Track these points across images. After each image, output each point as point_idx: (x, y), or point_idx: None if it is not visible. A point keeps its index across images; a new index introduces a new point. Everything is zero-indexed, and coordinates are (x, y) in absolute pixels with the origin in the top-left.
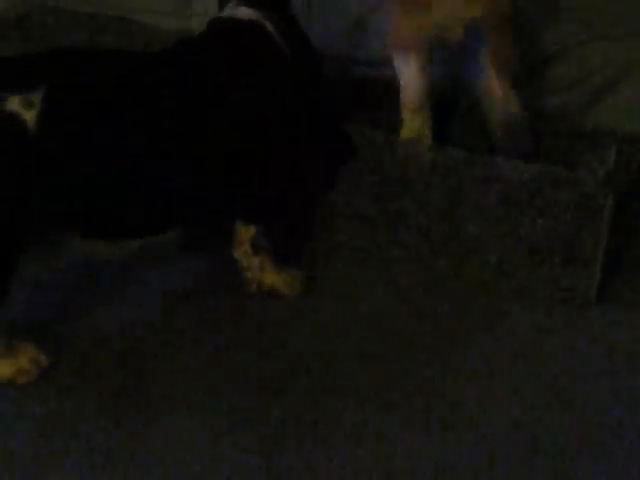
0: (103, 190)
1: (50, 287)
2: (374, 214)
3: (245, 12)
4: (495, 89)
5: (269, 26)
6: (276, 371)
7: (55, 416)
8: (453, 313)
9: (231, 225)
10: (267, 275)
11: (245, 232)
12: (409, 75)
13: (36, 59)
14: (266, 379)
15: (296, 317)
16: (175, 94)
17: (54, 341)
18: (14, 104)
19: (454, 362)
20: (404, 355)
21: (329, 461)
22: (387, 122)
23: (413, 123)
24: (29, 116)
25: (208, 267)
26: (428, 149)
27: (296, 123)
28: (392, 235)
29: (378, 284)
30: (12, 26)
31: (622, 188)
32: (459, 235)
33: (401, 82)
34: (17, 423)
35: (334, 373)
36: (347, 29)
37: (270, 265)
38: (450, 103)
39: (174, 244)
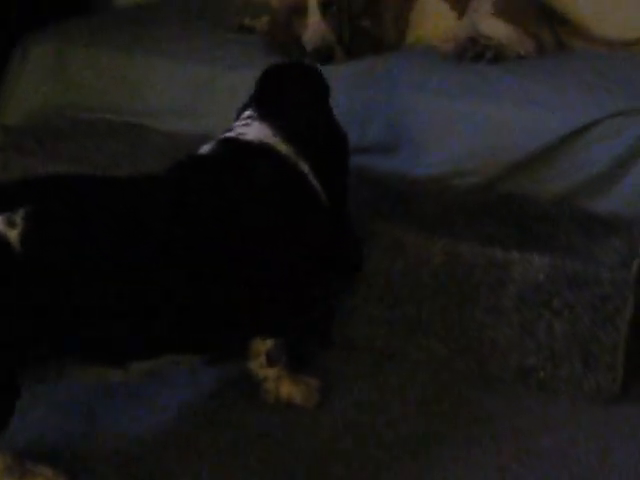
0: (96, 311)
1: (64, 407)
2: (391, 318)
3: (257, 131)
4: None
5: (283, 148)
6: None
7: None
8: (474, 414)
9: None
10: (284, 387)
11: (262, 345)
12: None
13: (22, 184)
14: None
15: (313, 429)
16: (173, 219)
17: (71, 462)
18: None
19: (477, 462)
20: (425, 458)
21: None
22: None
23: None
24: (12, 235)
25: (223, 379)
26: (440, 250)
27: (317, 244)
28: (410, 339)
29: (396, 389)
30: (28, 135)
31: None
32: (477, 339)
33: None
34: None
35: None
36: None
37: (286, 376)
38: None
39: None
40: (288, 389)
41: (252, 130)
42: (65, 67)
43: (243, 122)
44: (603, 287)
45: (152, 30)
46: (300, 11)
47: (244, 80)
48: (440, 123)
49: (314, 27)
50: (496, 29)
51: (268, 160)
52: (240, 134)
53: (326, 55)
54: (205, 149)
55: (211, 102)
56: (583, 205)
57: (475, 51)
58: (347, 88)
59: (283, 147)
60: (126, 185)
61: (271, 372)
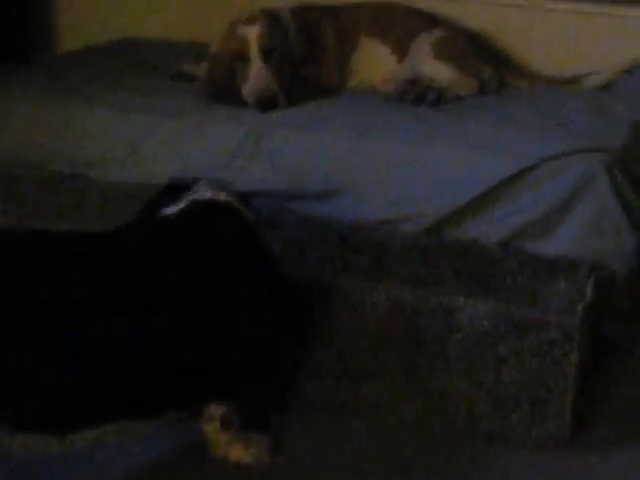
0: (31, 377)
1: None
2: (337, 369)
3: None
4: None
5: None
6: None
7: None
8: (424, 463)
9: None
10: (234, 451)
11: (216, 409)
12: None
13: None
14: None
15: None
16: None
17: None
18: None
19: None
20: None
21: None
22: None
23: None
24: None
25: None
26: (385, 297)
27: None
28: (357, 390)
29: (345, 441)
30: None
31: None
32: (424, 387)
33: None
34: None
35: None
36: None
37: (238, 440)
38: None
39: None
40: (238, 453)
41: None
42: (4, 116)
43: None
44: (549, 332)
45: (91, 78)
46: (242, 57)
47: (182, 128)
48: (382, 167)
49: (257, 74)
50: (437, 71)
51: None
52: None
53: (269, 103)
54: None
55: (152, 150)
56: (528, 247)
57: (416, 93)
58: (289, 134)
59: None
60: (61, 242)
61: (224, 437)
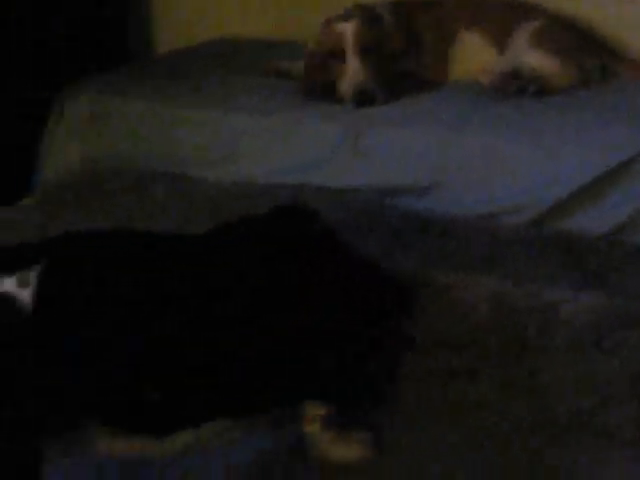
0: (116, 371)
1: None
2: (438, 368)
3: None
4: None
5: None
6: None
7: None
8: (534, 465)
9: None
10: (337, 449)
11: (318, 409)
12: None
13: (42, 242)
14: None
15: None
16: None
17: None
18: (9, 284)
19: None
20: None
21: None
22: None
23: None
24: (24, 295)
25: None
26: (486, 292)
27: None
28: (459, 388)
29: (449, 437)
30: (68, 190)
31: None
32: (527, 386)
33: None
34: None
35: None
36: None
37: (340, 439)
38: None
39: None
40: (340, 452)
41: None
42: (104, 119)
43: None
44: None
45: (188, 78)
46: (338, 54)
47: (280, 125)
48: (483, 160)
49: (353, 72)
50: (538, 61)
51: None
52: None
53: (366, 99)
54: None
55: (249, 149)
56: (634, 239)
57: (518, 85)
58: (386, 131)
59: None
60: (150, 241)
61: (326, 437)
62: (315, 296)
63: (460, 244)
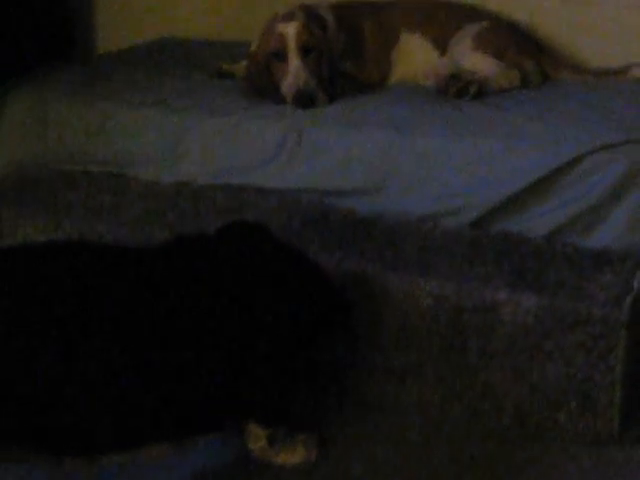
0: (58, 399)
1: None
2: (379, 367)
3: None
4: None
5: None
6: None
7: None
8: (471, 460)
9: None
10: (282, 456)
11: (262, 430)
12: None
13: None
14: None
15: None
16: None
17: None
18: None
19: None
20: None
21: None
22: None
23: None
24: None
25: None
26: (427, 293)
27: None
28: (400, 387)
29: (389, 439)
30: (9, 188)
31: None
32: (469, 385)
33: None
34: None
35: None
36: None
37: (286, 448)
38: None
39: None
40: (285, 457)
41: None
42: (42, 117)
43: None
44: (595, 326)
45: (132, 78)
46: (280, 56)
47: (222, 126)
48: (425, 162)
49: (295, 72)
50: (478, 63)
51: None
52: None
53: (308, 100)
54: None
55: (190, 149)
56: (574, 240)
57: (458, 87)
58: (330, 131)
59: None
60: (93, 255)
61: (272, 452)
62: (249, 321)
63: (401, 245)
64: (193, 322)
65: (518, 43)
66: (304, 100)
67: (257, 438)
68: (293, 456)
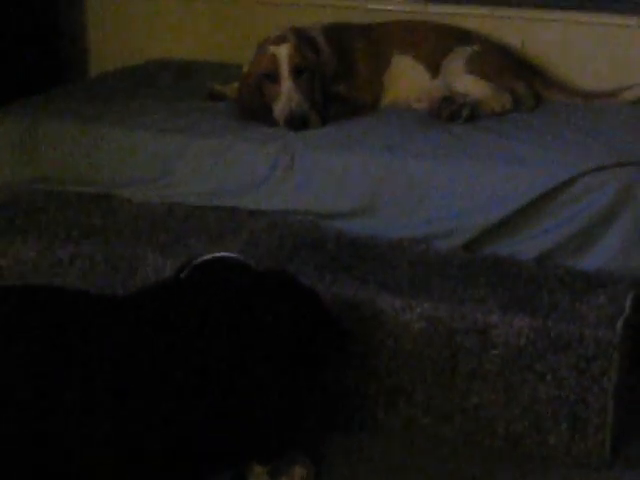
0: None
1: None
2: (371, 390)
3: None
4: None
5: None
6: None
7: None
8: None
9: None
10: None
11: (265, 467)
12: None
13: None
14: None
15: None
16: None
17: None
18: None
19: None
20: None
21: None
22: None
23: None
24: None
25: None
26: (419, 315)
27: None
28: (391, 410)
29: (380, 459)
30: (2, 209)
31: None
32: (460, 406)
33: None
34: None
35: None
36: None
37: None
38: None
39: None
40: None
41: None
42: (35, 140)
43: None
44: (587, 347)
45: (123, 101)
46: (272, 77)
47: (213, 148)
48: (418, 185)
49: (287, 94)
50: (471, 86)
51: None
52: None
53: (300, 122)
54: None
55: (181, 171)
56: (567, 262)
57: (450, 110)
58: (322, 153)
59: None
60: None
61: None
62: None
63: (393, 268)
64: (191, 369)
65: (510, 66)
66: (296, 122)
67: (258, 475)
68: None
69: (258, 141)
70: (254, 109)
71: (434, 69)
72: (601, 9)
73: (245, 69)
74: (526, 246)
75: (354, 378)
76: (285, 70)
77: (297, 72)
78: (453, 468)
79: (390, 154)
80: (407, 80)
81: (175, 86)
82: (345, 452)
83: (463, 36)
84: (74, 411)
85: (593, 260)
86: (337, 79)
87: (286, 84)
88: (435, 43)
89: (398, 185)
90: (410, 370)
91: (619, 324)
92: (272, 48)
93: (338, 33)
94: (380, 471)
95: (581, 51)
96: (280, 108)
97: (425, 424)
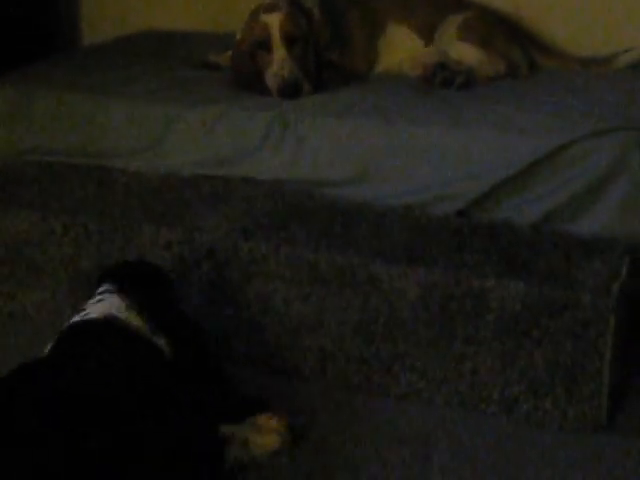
0: None
1: None
2: (367, 354)
3: (103, 305)
4: None
5: (129, 317)
6: None
7: None
8: (456, 444)
9: None
10: (259, 448)
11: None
12: None
13: None
14: None
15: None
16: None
17: None
18: None
19: None
20: None
21: None
22: None
23: None
24: None
25: None
26: (415, 282)
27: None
28: (388, 375)
29: (377, 426)
30: None
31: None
32: (457, 371)
33: None
34: None
35: None
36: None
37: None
38: None
39: None
40: (261, 447)
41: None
42: (28, 110)
43: (97, 298)
44: (584, 312)
45: (116, 70)
46: (264, 46)
47: (207, 117)
48: (411, 151)
49: (279, 63)
50: (464, 53)
51: (114, 338)
52: (86, 314)
53: (292, 91)
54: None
55: (175, 140)
56: (562, 228)
57: (444, 76)
58: (315, 121)
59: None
60: None
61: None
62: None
63: (388, 234)
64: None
65: (504, 32)
66: (289, 91)
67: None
68: (270, 444)
69: (251, 109)
70: (247, 77)
71: (428, 37)
72: None
73: (238, 38)
74: (522, 211)
75: (350, 343)
76: (277, 38)
77: (289, 40)
78: (447, 432)
79: (384, 121)
80: (401, 48)
81: (168, 56)
82: (340, 412)
83: (456, 3)
84: None
85: (589, 225)
86: (331, 47)
87: (278, 52)
88: (429, 11)
89: (392, 152)
90: (406, 336)
91: (615, 289)
92: (264, 16)
93: (332, 1)
94: (374, 433)
95: (576, 16)
96: (272, 77)
97: (421, 389)
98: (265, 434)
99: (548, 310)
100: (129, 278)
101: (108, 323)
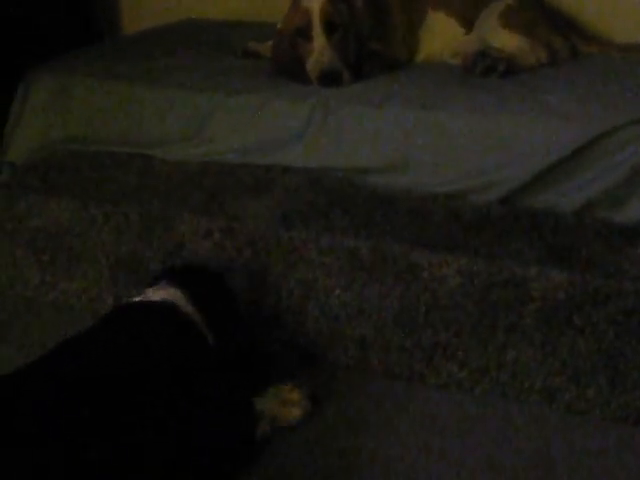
0: None
1: None
2: (407, 343)
3: (163, 292)
4: None
5: (185, 306)
6: None
7: None
8: (497, 435)
9: None
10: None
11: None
12: None
13: None
14: None
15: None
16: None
17: None
18: None
19: None
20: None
21: None
22: None
23: None
24: None
25: None
26: (456, 270)
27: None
28: (428, 363)
29: (416, 413)
30: (33, 171)
31: None
32: (498, 361)
33: None
34: None
35: None
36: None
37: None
38: None
39: None
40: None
41: (158, 292)
42: (68, 100)
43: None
44: (626, 300)
45: (156, 60)
46: (305, 34)
47: (248, 105)
48: (453, 139)
49: (320, 51)
50: (506, 40)
51: (167, 319)
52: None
53: (332, 79)
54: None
55: (216, 129)
56: (604, 216)
57: (485, 65)
58: (356, 109)
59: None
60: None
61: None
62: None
63: (429, 222)
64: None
65: (546, 19)
66: (329, 79)
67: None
68: (295, 416)
69: (292, 98)
70: (288, 66)
71: (469, 24)
72: None
73: (279, 26)
74: (563, 199)
75: (391, 332)
76: (317, 26)
77: (330, 28)
78: (488, 422)
79: (424, 109)
80: (442, 36)
81: (208, 45)
82: (380, 401)
83: None
84: None
85: (631, 212)
86: (372, 35)
87: (318, 40)
88: None
89: (432, 140)
90: (447, 325)
91: None
92: (305, 3)
93: None
94: (414, 421)
95: (617, 3)
96: (312, 65)
97: (461, 378)
98: (289, 407)
99: (591, 299)
100: (192, 276)
101: (165, 307)
